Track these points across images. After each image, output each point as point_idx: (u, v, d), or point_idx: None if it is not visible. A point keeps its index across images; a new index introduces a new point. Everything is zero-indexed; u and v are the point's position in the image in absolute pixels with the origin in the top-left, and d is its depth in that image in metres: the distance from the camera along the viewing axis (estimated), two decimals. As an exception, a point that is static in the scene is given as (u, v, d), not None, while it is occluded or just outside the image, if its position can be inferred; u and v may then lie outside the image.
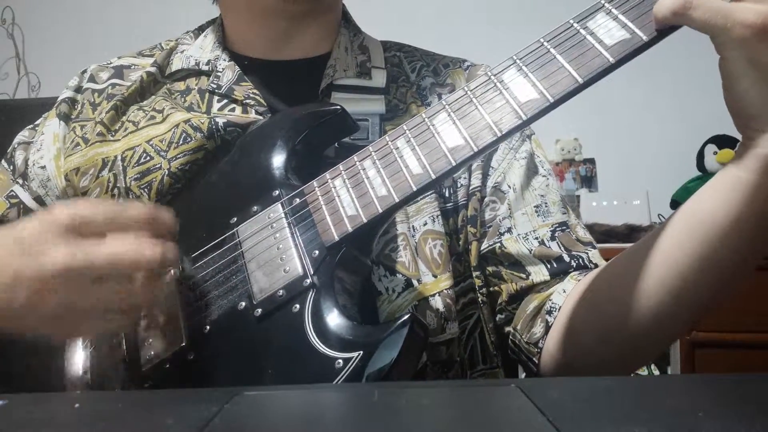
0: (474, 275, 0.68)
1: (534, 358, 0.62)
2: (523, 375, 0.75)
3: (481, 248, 0.68)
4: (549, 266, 0.64)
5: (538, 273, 0.64)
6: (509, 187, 0.68)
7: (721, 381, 0.36)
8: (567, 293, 0.61)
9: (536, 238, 0.66)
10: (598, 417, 0.29)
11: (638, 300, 0.51)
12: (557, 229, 0.66)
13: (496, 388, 0.37)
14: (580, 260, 0.65)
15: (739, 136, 0.47)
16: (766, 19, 0.41)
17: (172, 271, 0.56)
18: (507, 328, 0.67)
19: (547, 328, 0.61)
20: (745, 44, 0.42)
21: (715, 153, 2.22)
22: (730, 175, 0.47)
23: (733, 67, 0.44)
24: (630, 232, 2.02)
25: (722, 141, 2.21)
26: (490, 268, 0.67)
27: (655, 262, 0.50)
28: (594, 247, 0.67)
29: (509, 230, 0.67)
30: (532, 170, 0.70)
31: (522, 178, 0.69)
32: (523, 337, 0.64)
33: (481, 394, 0.35)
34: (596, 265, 0.64)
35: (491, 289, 0.68)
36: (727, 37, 0.42)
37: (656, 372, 1.84)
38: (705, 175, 2.21)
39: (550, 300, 0.62)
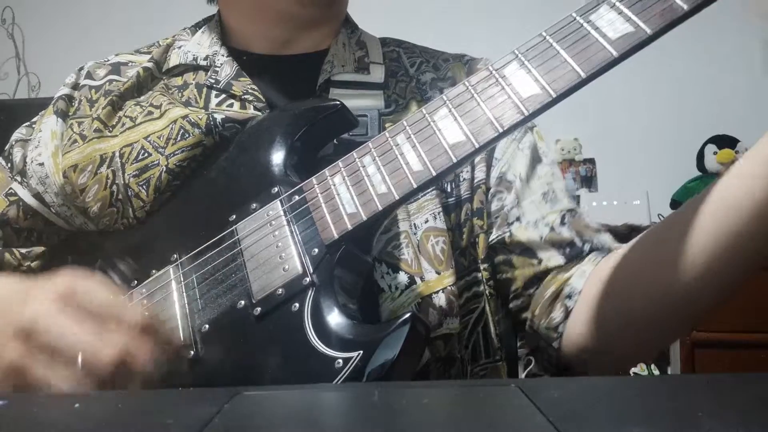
0: (481, 268, 0.67)
1: (553, 344, 0.62)
2: (523, 375, 0.74)
3: (490, 239, 0.68)
4: (562, 251, 0.64)
5: (551, 258, 0.64)
6: (515, 176, 0.68)
7: (721, 381, 0.35)
8: (586, 277, 0.61)
9: (546, 225, 0.66)
10: (598, 417, 0.29)
11: (663, 284, 0.52)
12: (566, 214, 0.67)
13: (496, 388, 0.36)
14: (593, 244, 0.65)
15: (738, 136, 0.47)
16: None
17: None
18: (524, 314, 0.66)
19: (567, 312, 0.61)
20: None
21: (715, 153, 2.22)
22: (754, 159, 0.47)
23: None
24: (630, 232, 2.02)
25: (722, 141, 2.20)
26: (499, 257, 0.67)
27: (681, 247, 0.50)
28: (606, 231, 0.67)
29: (518, 219, 0.67)
30: (536, 160, 0.70)
31: (527, 168, 0.69)
32: (541, 322, 0.63)
33: (481, 394, 0.35)
34: (610, 249, 0.64)
35: (503, 276, 0.68)
36: None
37: (656, 372, 1.84)
38: (705, 175, 2.21)
39: (569, 284, 0.62)
